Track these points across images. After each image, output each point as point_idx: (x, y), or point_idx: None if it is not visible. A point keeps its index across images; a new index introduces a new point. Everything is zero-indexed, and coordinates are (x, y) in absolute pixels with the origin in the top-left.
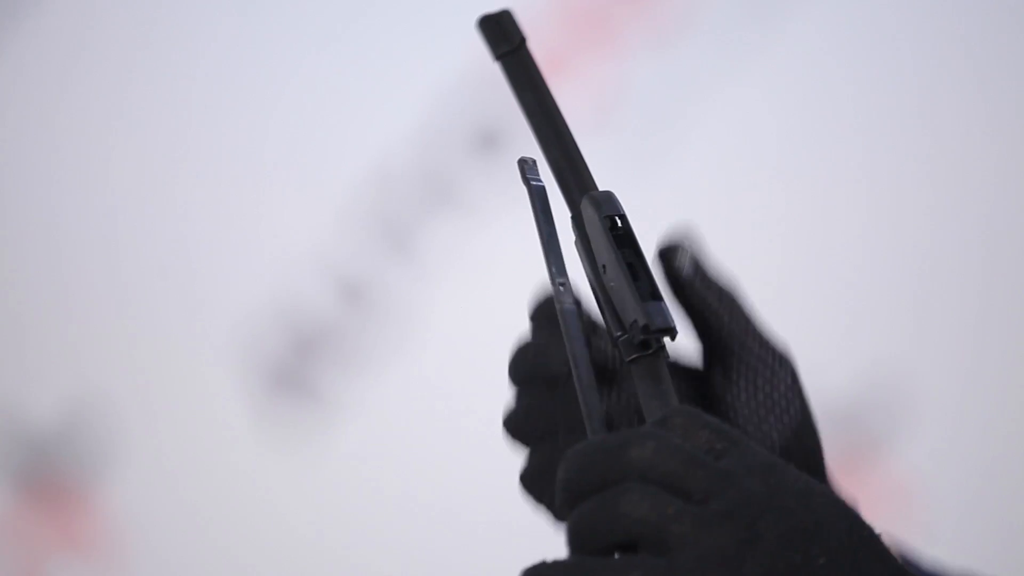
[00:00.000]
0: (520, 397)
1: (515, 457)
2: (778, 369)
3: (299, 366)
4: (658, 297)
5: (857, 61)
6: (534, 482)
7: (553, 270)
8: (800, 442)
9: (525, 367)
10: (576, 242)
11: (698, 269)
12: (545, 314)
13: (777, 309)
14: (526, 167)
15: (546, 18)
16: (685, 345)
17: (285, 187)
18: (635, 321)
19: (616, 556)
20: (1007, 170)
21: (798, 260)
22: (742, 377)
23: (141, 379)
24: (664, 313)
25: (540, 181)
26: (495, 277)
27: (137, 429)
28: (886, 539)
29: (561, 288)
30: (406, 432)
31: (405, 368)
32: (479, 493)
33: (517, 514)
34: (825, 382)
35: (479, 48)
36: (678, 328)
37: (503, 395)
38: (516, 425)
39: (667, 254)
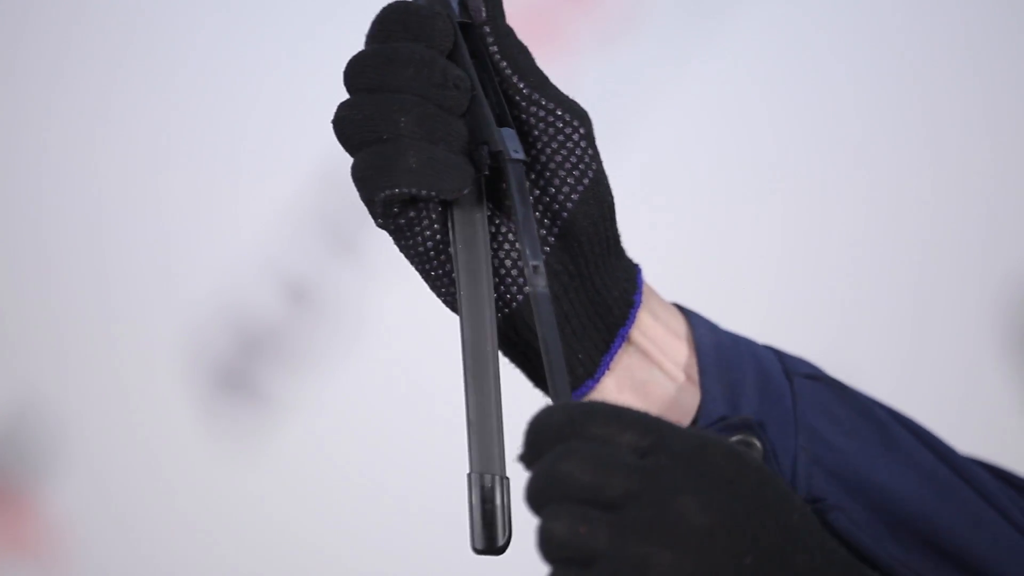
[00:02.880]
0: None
1: (461, 456)
2: (570, 121)
3: (245, 366)
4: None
5: (798, 60)
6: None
7: (527, 252)
8: (595, 195)
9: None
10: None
11: (496, 16)
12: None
13: (712, 311)
14: (507, 140)
15: None
16: None
17: (230, 187)
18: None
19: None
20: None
21: (744, 256)
22: (533, 131)
23: (86, 381)
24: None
25: (521, 156)
26: None
27: (81, 430)
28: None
29: (534, 270)
30: (352, 432)
31: (352, 368)
32: (427, 491)
33: (463, 510)
34: None
35: None
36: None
37: (453, 394)
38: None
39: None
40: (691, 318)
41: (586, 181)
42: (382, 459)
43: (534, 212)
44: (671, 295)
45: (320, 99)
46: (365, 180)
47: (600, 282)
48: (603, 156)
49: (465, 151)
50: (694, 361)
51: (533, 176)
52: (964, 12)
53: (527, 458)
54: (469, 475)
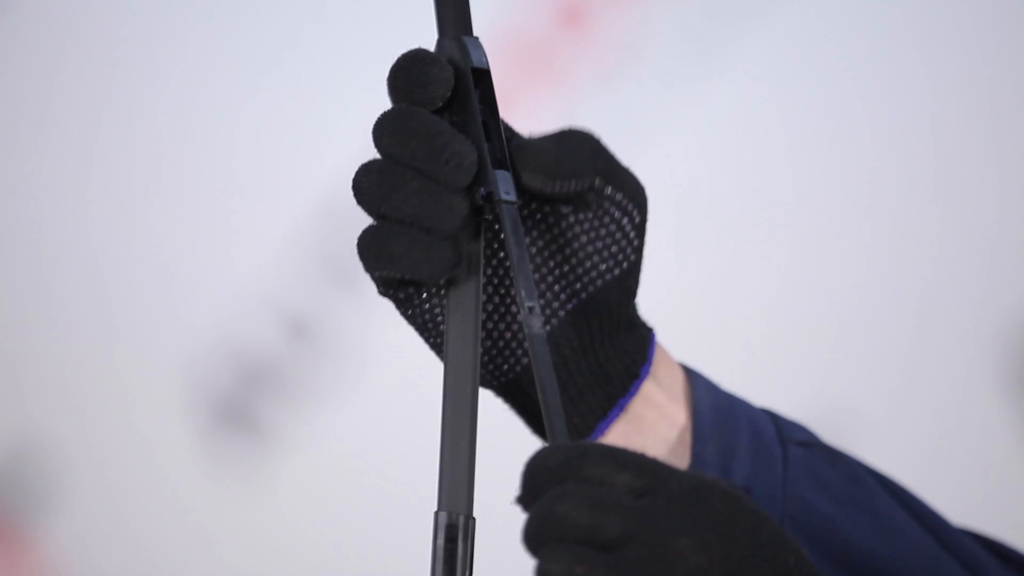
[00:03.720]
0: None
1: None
2: (630, 211)
3: (245, 400)
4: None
5: (798, 96)
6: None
7: (523, 293)
8: (622, 284)
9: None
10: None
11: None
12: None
13: (716, 339)
14: (500, 183)
15: (491, 56)
16: None
17: (230, 221)
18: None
19: None
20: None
21: (743, 292)
22: (594, 210)
23: (85, 415)
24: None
25: (512, 198)
26: None
27: (82, 465)
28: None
29: (530, 311)
30: (353, 468)
31: (351, 402)
32: (429, 527)
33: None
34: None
35: None
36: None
37: None
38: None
39: None
40: (692, 379)
41: (617, 271)
42: (382, 495)
43: (553, 286)
44: (669, 331)
45: (323, 132)
46: (363, 256)
47: (604, 356)
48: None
49: (461, 230)
50: (690, 424)
51: (567, 252)
52: (971, 55)
53: (524, 499)
54: (436, 513)
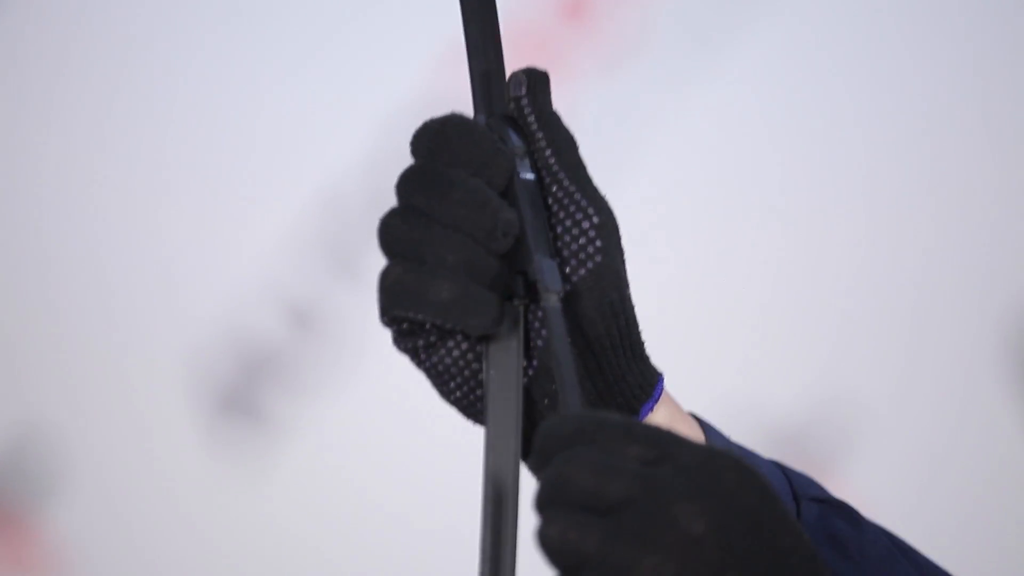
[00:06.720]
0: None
1: (464, 478)
2: (587, 208)
3: (247, 389)
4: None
5: (799, 87)
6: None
7: (547, 277)
8: (596, 285)
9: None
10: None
11: (544, 100)
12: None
13: (718, 331)
14: (547, 272)
15: None
16: None
17: (232, 211)
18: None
19: None
20: (941, 209)
21: (744, 283)
22: (551, 207)
23: (88, 404)
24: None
25: (557, 288)
26: None
27: (84, 455)
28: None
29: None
30: (356, 455)
31: (354, 391)
32: (430, 513)
33: (468, 533)
34: (774, 404)
35: (428, 74)
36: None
37: (455, 416)
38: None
39: (522, 78)
40: (708, 432)
41: (583, 271)
42: (385, 482)
43: None
44: (671, 322)
45: (324, 123)
46: (391, 293)
47: (602, 383)
48: (603, 181)
49: (500, 289)
50: None
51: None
52: (969, 41)
53: (536, 465)
54: None
